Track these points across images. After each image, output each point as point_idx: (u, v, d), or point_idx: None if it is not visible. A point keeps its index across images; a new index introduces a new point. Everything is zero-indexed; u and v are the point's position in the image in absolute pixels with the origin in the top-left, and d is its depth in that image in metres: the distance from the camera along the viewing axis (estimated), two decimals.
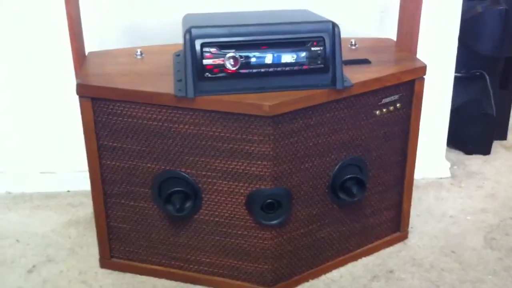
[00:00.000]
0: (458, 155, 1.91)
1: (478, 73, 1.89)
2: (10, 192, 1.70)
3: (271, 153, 1.18)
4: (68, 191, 1.70)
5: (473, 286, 1.32)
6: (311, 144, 1.22)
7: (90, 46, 1.41)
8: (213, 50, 1.14)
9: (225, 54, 1.14)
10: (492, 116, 1.87)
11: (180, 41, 1.16)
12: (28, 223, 1.55)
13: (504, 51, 1.85)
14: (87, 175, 1.28)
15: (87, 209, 1.59)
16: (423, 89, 1.34)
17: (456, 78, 1.73)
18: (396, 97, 1.31)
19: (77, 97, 1.22)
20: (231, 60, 1.15)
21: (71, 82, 1.24)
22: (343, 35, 1.21)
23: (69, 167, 1.69)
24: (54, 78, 1.60)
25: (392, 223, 1.45)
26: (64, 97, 1.59)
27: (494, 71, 1.89)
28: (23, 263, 1.39)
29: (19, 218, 1.58)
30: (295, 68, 1.17)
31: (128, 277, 1.34)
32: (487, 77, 1.88)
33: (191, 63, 1.14)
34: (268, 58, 1.16)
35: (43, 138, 1.67)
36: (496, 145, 1.96)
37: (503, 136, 2.01)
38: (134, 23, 1.59)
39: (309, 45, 1.17)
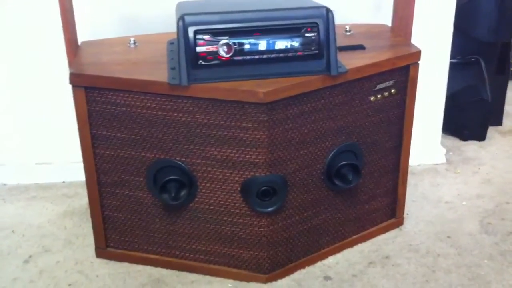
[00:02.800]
0: (454, 141, 1.91)
1: (473, 59, 1.88)
2: (5, 183, 1.69)
3: (265, 140, 1.17)
4: (64, 181, 1.70)
5: (469, 270, 1.32)
6: (306, 131, 1.22)
7: (83, 35, 1.40)
8: (206, 37, 1.13)
9: (219, 41, 1.14)
10: (488, 102, 1.87)
11: (174, 29, 1.15)
12: (23, 214, 1.55)
13: (500, 36, 1.84)
14: (82, 165, 1.28)
15: (83, 199, 1.59)
16: (417, 74, 1.33)
17: (451, 64, 1.73)
18: (391, 82, 1.31)
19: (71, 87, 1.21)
20: (225, 47, 1.14)
21: (66, 72, 1.23)
22: (338, 21, 1.20)
23: (64, 158, 1.68)
24: (48, 69, 1.59)
25: (387, 209, 1.45)
26: (59, 87, 1.58)
27: (489, 57, 1.88)
28: (20, 254, 1.39)
29: (15, 209, 1.57)
30: (289, 54, 1.17)
31: (124, 266, 1.34)
32: (483, 62, 1.87)
33: (184, 50, 1.13)
34: (262, 44, 1.15)
35: (38, 129, 1.66)
36: (492, 130, 1.96)
37: (499, 122, 2.01)
38: (128, 12, 1.58)
39: (303, 31, 1.16)
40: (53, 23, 1.50)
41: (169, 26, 1.41)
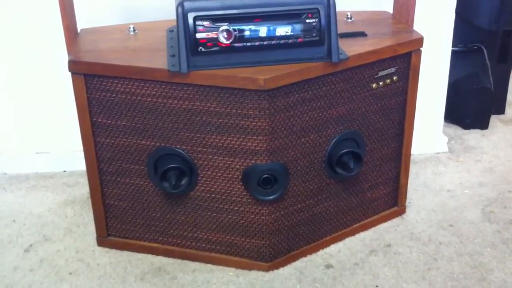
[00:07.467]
0: (456, 130, 1.90)
1: (475, 47, 1.87)
2: (5, 173, 1.69)
3: (266, 127, 1.16)
4: (64, 171, 1.69)
5: (471, 259, 1.32)
6: (307, 118, 1.21)
7: (82, 23, 1.39)
8: (206, 23, 1.12)
9: (219, 28, 1.12)
10: (490, 90, 1.86)
11: (174, 17, 1.14)
12: (24, 203, 1.54)
13: (502, 24, 1.83)
14: (82, 154, 1.27)
15: (83, 188, 1.59)
16: (420, 61, 1.32)
17: (453, 52, 1.71)
18: (392, 69, 1.30)
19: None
20: (225, 34, 1.13)
21: (65, 60, 1.22)
22: (339, 8, 1.19)
23: (64, 147, 1.68)
24: (48, 57, 1.58)
25: (389, 198, 1.45)
26: (59, 76, 1.57)
27: (492, 45, 1.87)
28: (20, 243, 1.39)
29: (15, 198, 1.57)
30: (290, 41, 1.16)
31: (126, 255, 1.34)
32: (485, 50, 1.86)
33: (184, 37, 1.12)
34: (262, 31, 1.14)
35: (38, 118, 1.65)
36: (494, 119, 1.95)
37: (501, 110, 1.99)
38: (127, 0, 1.56)
39: (303, 17, 1.15)
40: (52, 10, 1.48)
41: (169, 14, 1.39)
